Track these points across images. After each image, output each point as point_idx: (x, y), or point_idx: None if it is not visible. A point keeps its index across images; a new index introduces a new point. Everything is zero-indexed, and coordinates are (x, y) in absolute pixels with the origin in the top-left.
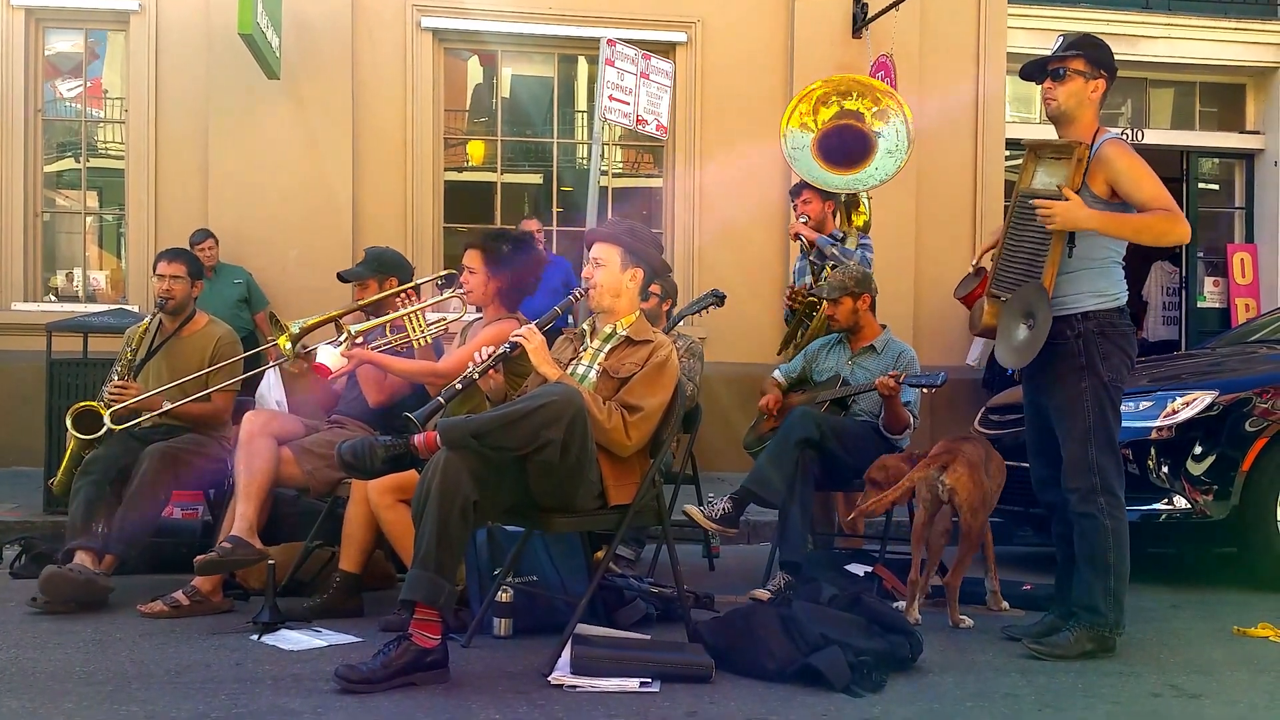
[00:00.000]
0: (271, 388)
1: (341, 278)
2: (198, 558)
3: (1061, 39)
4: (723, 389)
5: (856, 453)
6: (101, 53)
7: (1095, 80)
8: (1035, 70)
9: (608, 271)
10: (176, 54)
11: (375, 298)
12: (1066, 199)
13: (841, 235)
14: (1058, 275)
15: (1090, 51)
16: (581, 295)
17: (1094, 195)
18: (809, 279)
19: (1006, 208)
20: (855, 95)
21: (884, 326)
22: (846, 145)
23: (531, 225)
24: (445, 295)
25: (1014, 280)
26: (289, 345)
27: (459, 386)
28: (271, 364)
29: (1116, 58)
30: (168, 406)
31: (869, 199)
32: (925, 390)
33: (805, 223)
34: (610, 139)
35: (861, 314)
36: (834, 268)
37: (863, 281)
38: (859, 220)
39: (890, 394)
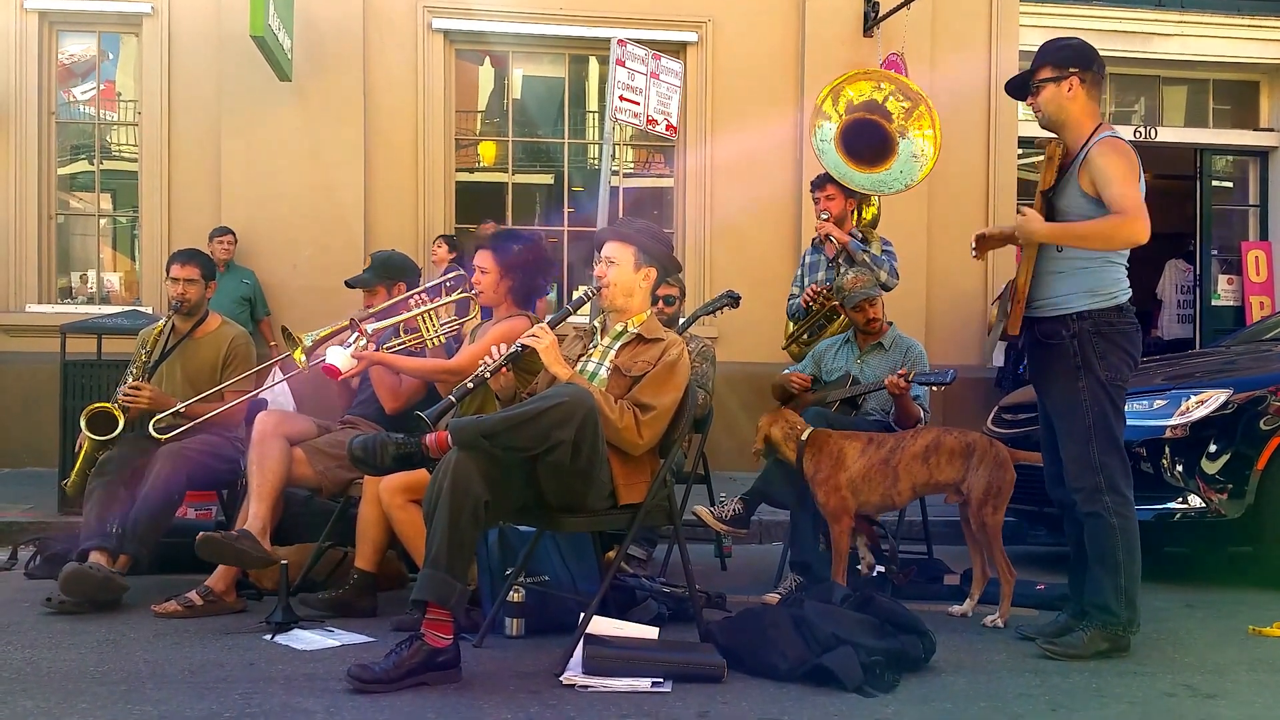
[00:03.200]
0: (277, 394)
1: (349, 284)
2: (200, 534)
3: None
4: (733, 389)
5: None
6: (114, 56)
7: (1066, 79)
8: (1016, 91)
9: (621, 270)
10: (189, 56)
11: (385, 305)
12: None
13: (861, 236)
14: (1052, 274)
15: (1052, 56)
16: (594, 294)
17: (1083, 194)
18: (821, 275)
19: (1019, 207)
20: (889, 93)
21: (890, 323)
22: (867, 139)
23: (488, 228)
24: (456, 296)
25: None
26: (303, 358)
27: (471, 386)
28: (283, 378)
29: (1129, 55)
30: (180, 406)
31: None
32: (935, 387)
33: (828, 219)
34: (621, 139)
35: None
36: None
37: (880, 276)
38: (869, 213)
39: (900, 393)
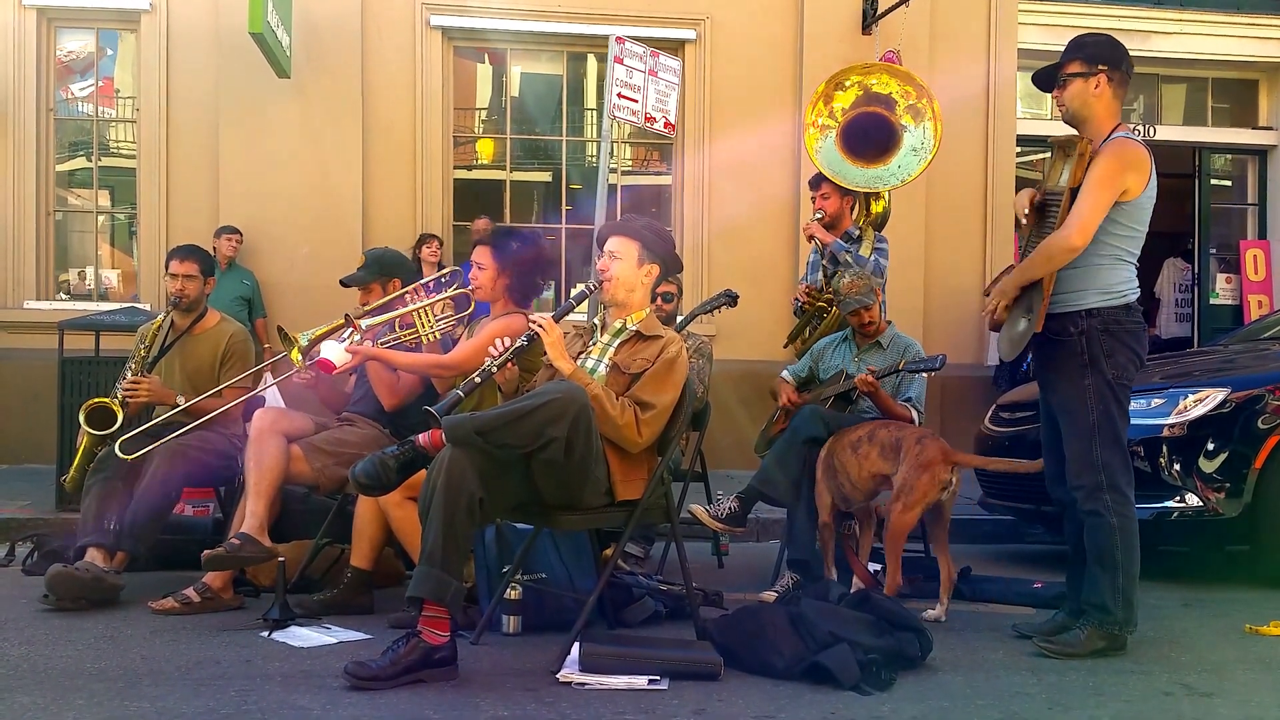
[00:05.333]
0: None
1: (344, 283)
2: (205, 552)
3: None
4: (730, 387)
5: None
6: (113, 52)
7: (1094, 76)
8: (1043, 83)
9: (624, 265)
10: (187, 53)
11: (380, 302)
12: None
13: (857, 234)
14: (1065, 271)
15: (1083, 51)
16: (595, 288)
17: None
18: (819, 277)
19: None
20: (885, 78)
21: (889, 322)
22: (871, 134)
23: (481, 224)
24: (452, 291)
25: None
26: (299, 358)
27: (478, 380)
28: (273, 381)
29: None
30: (181, 402)
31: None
32: (928, 374)
33: (820, 219)
34: (619, 136)
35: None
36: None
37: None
38: (878, 207)
39: (869, 390)
